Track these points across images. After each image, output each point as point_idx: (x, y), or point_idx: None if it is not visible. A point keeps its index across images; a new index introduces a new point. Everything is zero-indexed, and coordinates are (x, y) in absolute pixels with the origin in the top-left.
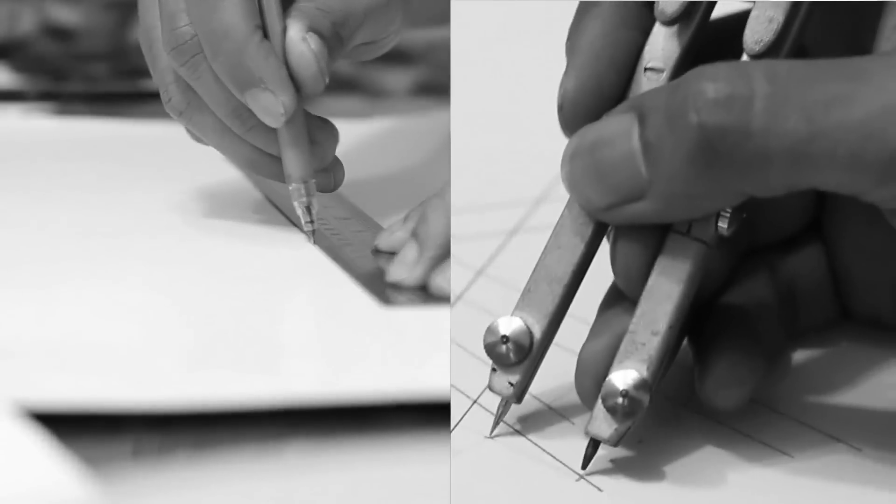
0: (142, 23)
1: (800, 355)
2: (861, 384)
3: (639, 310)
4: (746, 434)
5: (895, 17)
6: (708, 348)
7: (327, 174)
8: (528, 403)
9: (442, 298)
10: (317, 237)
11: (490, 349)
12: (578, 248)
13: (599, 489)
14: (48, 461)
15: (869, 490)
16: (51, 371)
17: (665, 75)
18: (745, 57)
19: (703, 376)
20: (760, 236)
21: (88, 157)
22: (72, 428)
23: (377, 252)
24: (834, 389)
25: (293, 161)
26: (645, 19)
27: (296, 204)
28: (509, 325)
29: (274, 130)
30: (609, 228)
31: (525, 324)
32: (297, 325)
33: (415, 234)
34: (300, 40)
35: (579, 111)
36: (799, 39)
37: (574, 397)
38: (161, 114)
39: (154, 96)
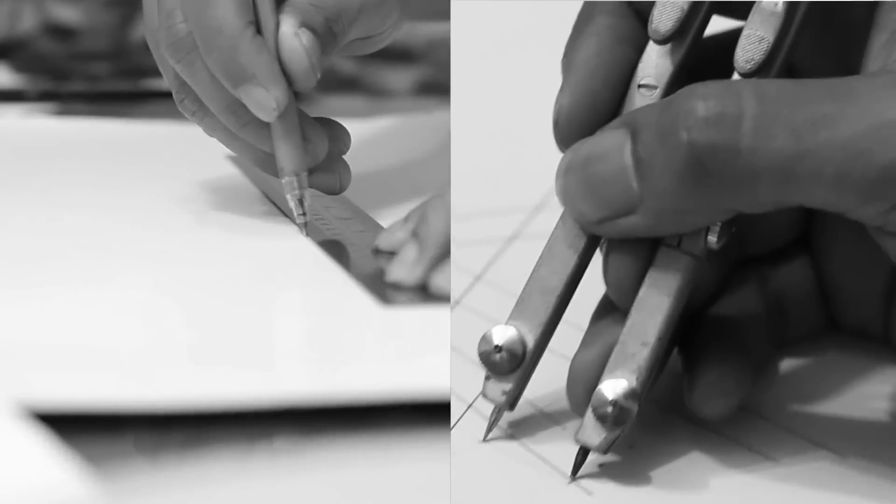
0: (147, 23)
1: (787, 364)
2: (846, 393)
3: (629, 321)
4: (733, 439)
5: (883, 36)
6: (697, 359)
7: (333, 176)
8: (522, 408)
9: (442, 298)
10: (309, 229)
11: (484, 358)
12: (571, 260)
13: (589, 493)
14: (49, 460)
15: (851, 496)
16: (51, 370)
17: (658, 92)
18: (735, 76)
19: (691, 386)
20: (750, 248)
21: (89, 157)
22: (72, 427)
23: (378, 252)
24: (820, 397)
25: (286, 154)
26: (639, 37)
27: (288, 197)
28: (503, 334)
29: (268, 126)
30: (602, 241)
31: (519, 333)
32: (297, 325)
33: (415, 234)
34: (292, 35)
35: (574, 127)
36: (789, 59)
37: (566, 403)
38: (162, 113)
39: (155, 95)
